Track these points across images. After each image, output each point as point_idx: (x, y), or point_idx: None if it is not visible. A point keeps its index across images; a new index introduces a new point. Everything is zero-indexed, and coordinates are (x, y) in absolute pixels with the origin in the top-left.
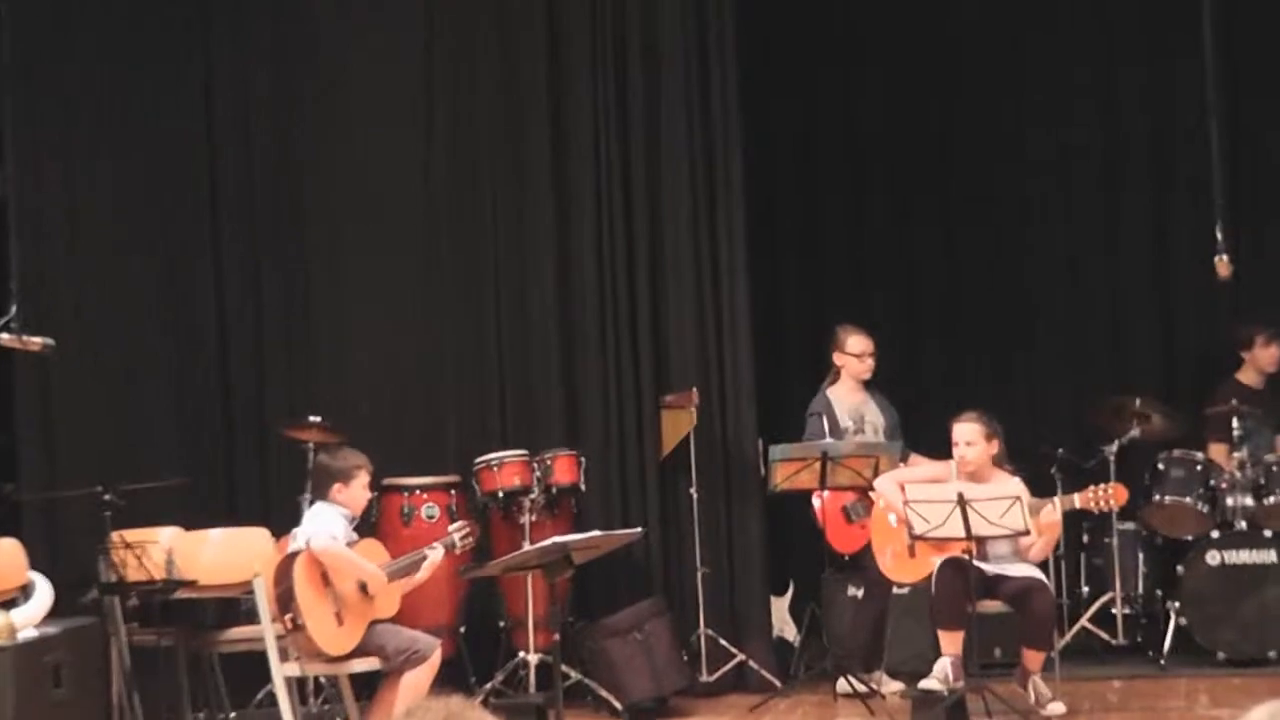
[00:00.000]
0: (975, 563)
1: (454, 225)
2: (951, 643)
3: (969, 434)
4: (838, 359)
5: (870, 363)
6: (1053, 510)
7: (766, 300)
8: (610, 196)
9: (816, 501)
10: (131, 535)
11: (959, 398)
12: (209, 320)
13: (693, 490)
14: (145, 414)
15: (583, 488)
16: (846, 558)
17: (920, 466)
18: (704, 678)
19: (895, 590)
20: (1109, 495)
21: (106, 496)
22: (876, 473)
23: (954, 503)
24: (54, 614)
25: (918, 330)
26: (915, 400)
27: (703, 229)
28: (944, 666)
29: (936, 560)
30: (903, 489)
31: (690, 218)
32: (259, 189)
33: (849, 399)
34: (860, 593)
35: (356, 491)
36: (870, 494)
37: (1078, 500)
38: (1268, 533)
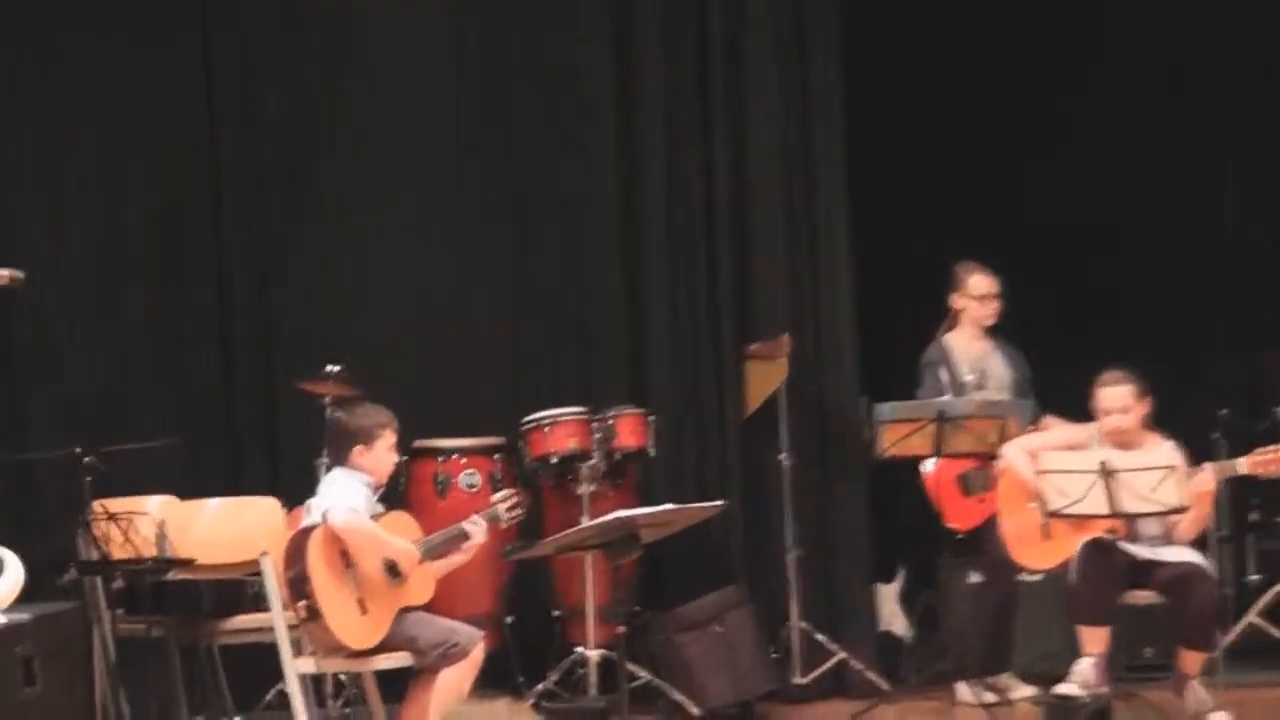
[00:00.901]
0: (1123, 545)
1: (494, 144)
2: (1094, 640)
3: (1120, 399)
4: (956, 301)
5: (995, 306)
6: (1207, 477)
7: (868, 233)
8: (686, 108)
9: (928, 469)
10: (116, 505)
11: (1083, 352)
12: (208, 254)
13: (783, 456)
14: (131, 361)
15: (651, 452)
16: (960, 535)
17: (1055, 430)
18: (796, 679)
19: (1025, 577)
20: None
21: (86, 459)
22: (1003, 437)
23: (1097, 473)
24: (25, 598)
25: (1038, 274)
26: (1033, 356)
27: (795, 147)
28: (1085, 669)
29: (1076, 542)
30: (1035, 457)
31: (780, 134)
32: (266, 111)
33: (970, 348)
34: (983, 579)
35: (381, 455)
36: (994, 462)
37: (1243, 465)
38: None
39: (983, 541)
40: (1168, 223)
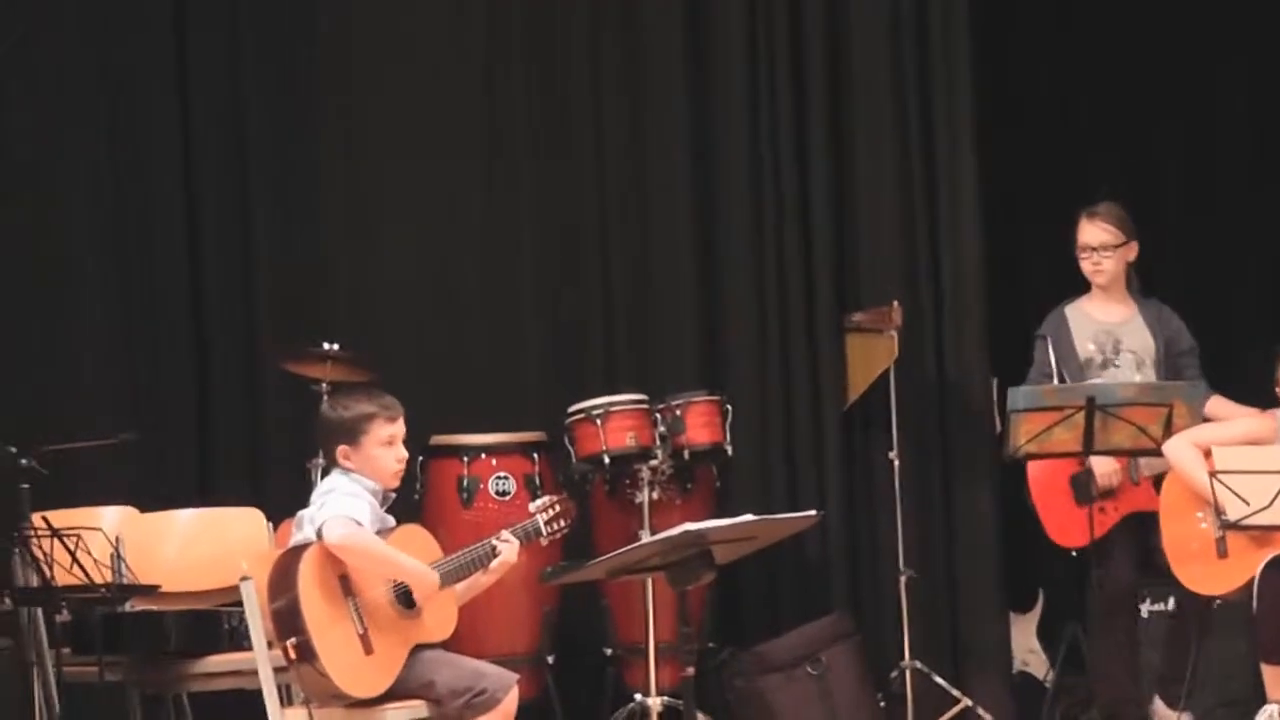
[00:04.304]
0: None
1: (532, 69)
2: None
3: None
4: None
5: (1099, 262)
6: None
7: (1005, 179)
8: (770, 23)
9: (1034, 469)
10: (61, 519)
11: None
12: (175, 205)
13: (892, 454)
14: (77, 340)
15: (728, 450)
16: (1074, 553)
17: (1234, 421)
18: None
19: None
20: None
21: (23, 462)
22: (1169, 429)
23: None
24: None
25: (1213, 227)
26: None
27: (909, 70)
28: (1271, 716)
29: (1259, 561)
30: (1208, 455)
31: (890, 55)
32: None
33: (1098, 315)
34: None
35: (371, 454)
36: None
37: None
38: None
39: (1107, 560)
40: None
